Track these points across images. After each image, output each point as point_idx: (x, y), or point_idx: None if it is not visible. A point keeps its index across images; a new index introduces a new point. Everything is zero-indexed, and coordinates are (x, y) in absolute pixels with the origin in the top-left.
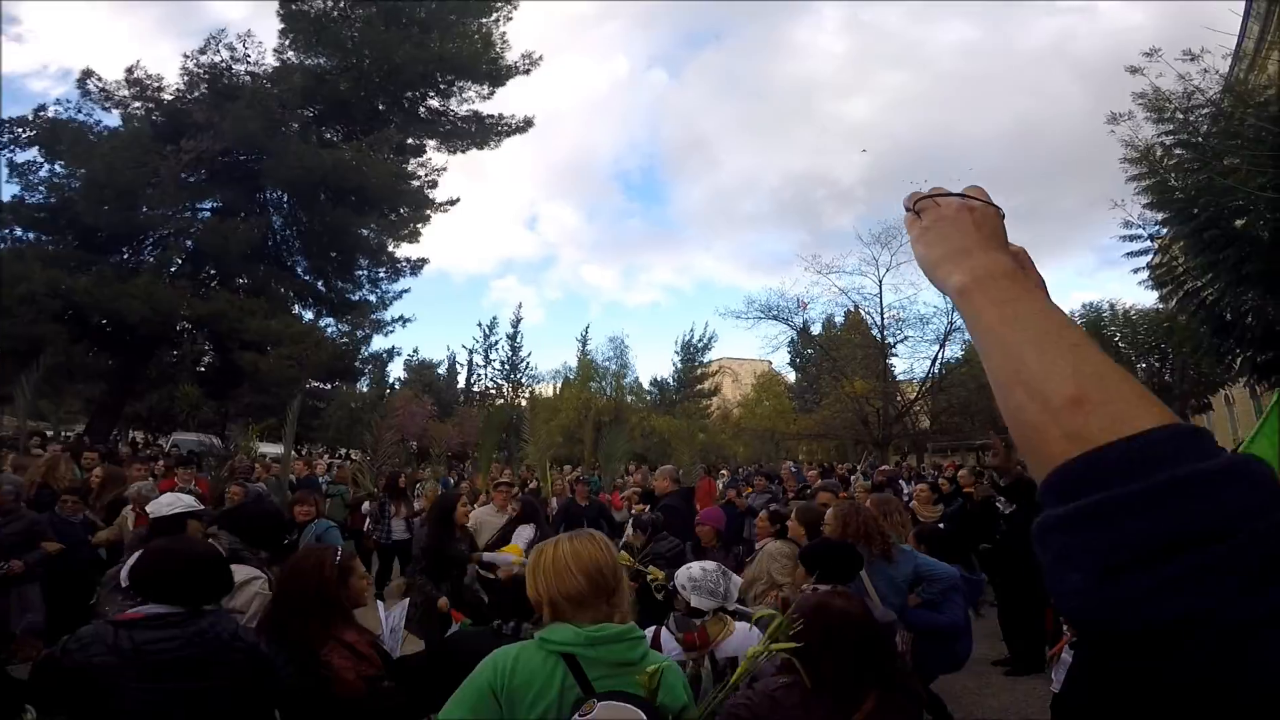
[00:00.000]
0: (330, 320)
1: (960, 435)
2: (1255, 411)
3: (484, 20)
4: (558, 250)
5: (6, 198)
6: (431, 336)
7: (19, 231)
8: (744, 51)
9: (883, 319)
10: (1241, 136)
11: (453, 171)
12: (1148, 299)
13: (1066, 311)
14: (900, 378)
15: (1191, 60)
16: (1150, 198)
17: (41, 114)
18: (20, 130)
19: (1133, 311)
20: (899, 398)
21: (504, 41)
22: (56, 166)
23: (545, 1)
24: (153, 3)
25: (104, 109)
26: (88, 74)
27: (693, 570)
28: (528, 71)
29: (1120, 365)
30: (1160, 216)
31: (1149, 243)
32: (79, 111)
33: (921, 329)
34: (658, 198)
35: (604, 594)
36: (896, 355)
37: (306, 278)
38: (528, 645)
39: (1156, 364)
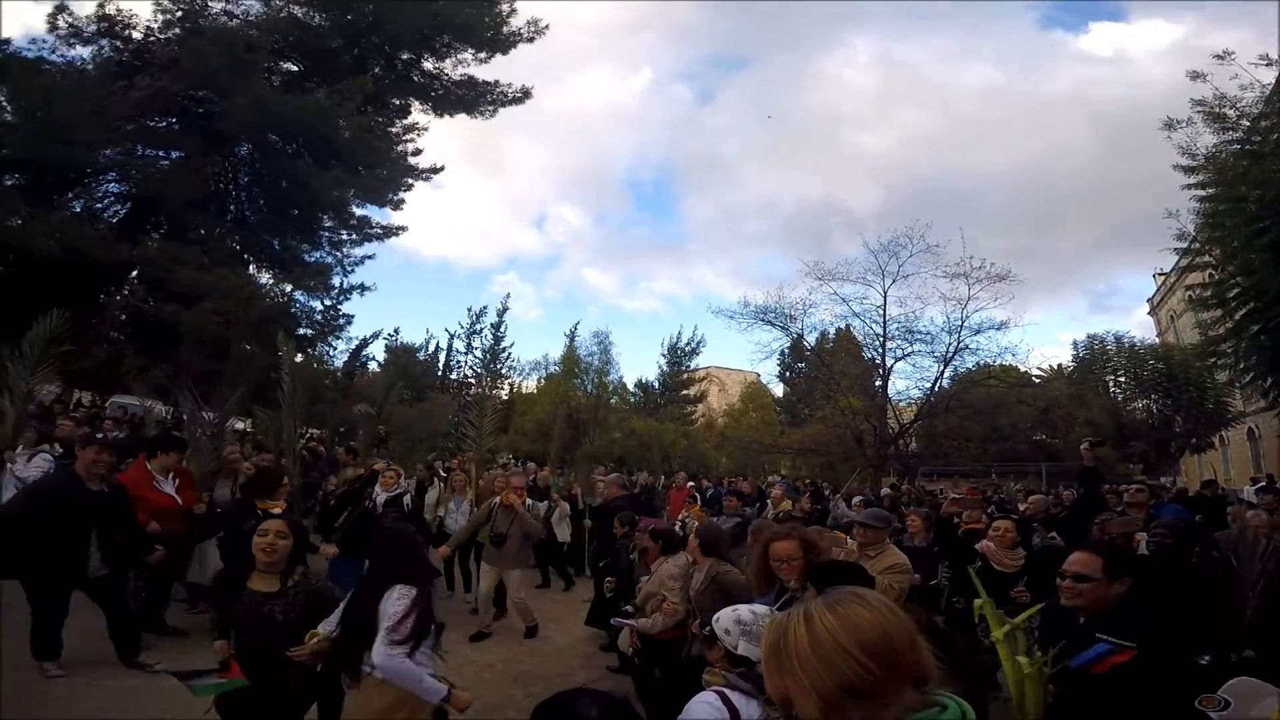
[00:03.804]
0: (268, 278)
1: (948, 461)
2: (1249, 453)
3: None
4: (562, 251)
5: None
6: (429, 326)
7: None
8: (771, 77)
9: (885, 330)
10: None
11: (467, 166)
12: (1147, 335)
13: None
14: (894, 398)
15: (1269, 65)
16: (1211, 207)
17: (2, 48)
18: None
19: (1139, 346)
20: (895, 417)
21: (511, 7)
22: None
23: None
24: None
25: (69, 45)
26: (59, 9)
27: (741, 613)
28: (531, 40)
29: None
30: (1216, 234)
31: (1202, 256)
32: (52, 51)
33: (930, 344)
34: (666, 209)
35: (906, 675)
36: (893, 373)
37: (267, 236)
38: None
39: (1156, 401)
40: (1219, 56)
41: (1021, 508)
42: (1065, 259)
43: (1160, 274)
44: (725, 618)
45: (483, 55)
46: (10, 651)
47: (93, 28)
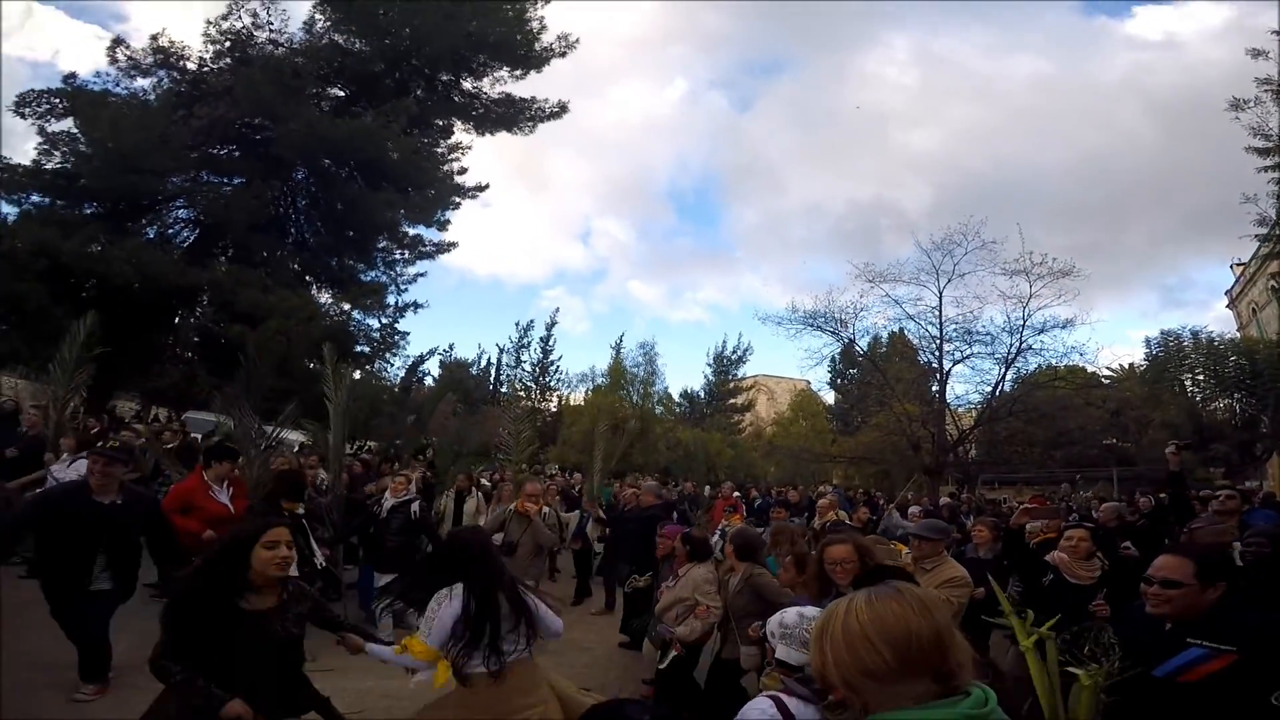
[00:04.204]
0: (328, 298)
1: (1010, 468)
2: None
3: (519, 1)
4: (608, 264)
5: (28, 163)
6: (482, 341)
7: (35, 196)
8: (809, 81)
9: (941, 332)
10: None
11: (512, 184)
12: (1226, 330)
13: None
14: (953, 402)
15: None
16: None
17: (70, 82)
18: (58, 101)
19: (1219, 341)
20: (954, 422)
21: (542, 24)
22: (78, 133)
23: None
24: None
25: (130, 77)
26: (117, 42)
27: (787, 616)
28: (563, 54)
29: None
30: None
31: None
32: (116, 84)
33: (990, 345)
34: (710, 219)
35: (924, 667)
36: (951, 377)
37: (325, 256)
38: None
39: (1240, 400)
40: (1277, 33)
41: (1095, 516)
42: (1132, 252)
43: (1238, 264)
44: (773, 620)
45: (518, 73)
46: (12, 652)
47: (150, 59)
